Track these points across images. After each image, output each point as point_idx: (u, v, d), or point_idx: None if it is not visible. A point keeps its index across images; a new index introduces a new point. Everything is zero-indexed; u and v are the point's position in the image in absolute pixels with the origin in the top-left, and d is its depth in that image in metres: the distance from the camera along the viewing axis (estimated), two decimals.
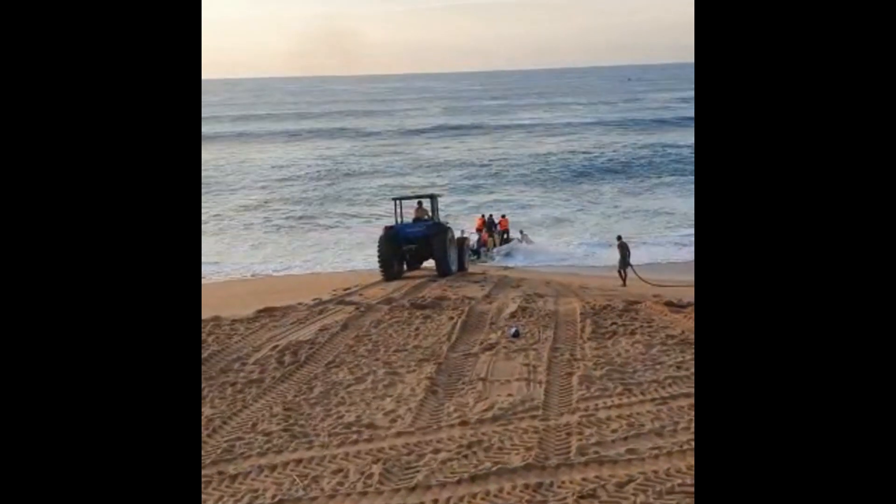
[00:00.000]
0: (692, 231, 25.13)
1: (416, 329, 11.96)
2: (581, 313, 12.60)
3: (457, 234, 18.52)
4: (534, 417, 8.02)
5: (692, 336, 11.02)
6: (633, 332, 11.32)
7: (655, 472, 6.60)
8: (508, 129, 66.68)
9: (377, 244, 16.61)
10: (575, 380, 9.17)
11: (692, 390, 8.68)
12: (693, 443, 7.17)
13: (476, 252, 21.38)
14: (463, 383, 9.33)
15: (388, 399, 8.77)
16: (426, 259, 16.73)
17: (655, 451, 7.03)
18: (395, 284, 16.62)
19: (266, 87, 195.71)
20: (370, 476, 6.66)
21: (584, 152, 49.90)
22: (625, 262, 19.00)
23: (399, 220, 17.42)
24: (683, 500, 5.98)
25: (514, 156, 50.11)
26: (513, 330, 11.59)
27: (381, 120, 77.66)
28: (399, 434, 7.69)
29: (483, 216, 24.36)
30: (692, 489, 6.16)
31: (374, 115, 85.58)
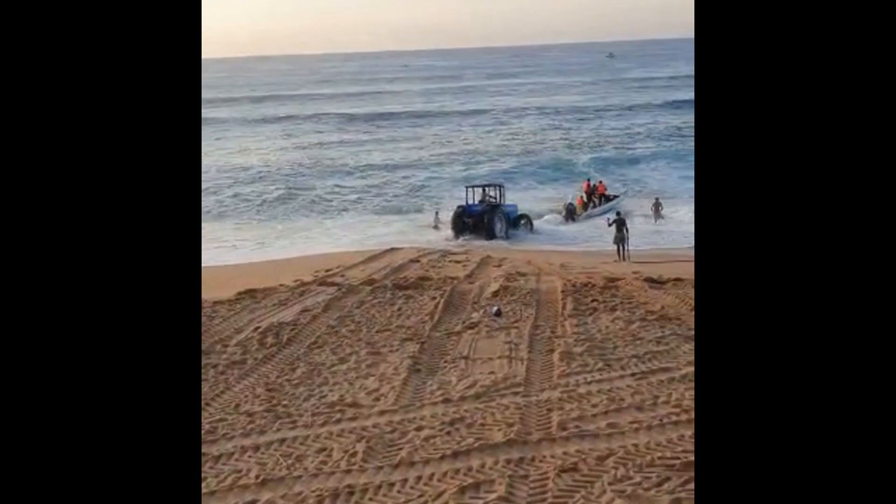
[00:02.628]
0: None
1: (399, 309, 11.99)
2: (562, 291, 12.68)
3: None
4: (515, 394, 8.10)
5: (671, 311, 11.15)
6: (613, 309, 11.43)
7: (635, 445, 6.70)
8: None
9: (451, 216, 23.98)
10: (556, 356, 9.26)
11: (671, 365, 8.81)
12: (672, 417, 7.28)
13: (571, 215, 26.44)
14: (445, 362, 9.39)
15: (371, 378, 8.80)
16: (481, 229, 23.10)
17: (635, 425, 7.14)
18: (376, 265, 16.66)
19: (241, 68, 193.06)
20: (354, 454, 6.71)
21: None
22: (622, 238, 19.11)
23: (467, 201, 24.25)
24: (663, 473, 6.08)
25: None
26: (494, 308, 11.66)
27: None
28: (382, 412, 7.73)
29: (588, 181, 28.82)
30: (672, 462, 6.27)
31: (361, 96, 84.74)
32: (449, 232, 24.06)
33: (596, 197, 27.76)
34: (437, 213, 26.17)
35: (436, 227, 24.99)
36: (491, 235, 22.91)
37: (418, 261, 17.02)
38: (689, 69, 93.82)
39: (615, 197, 27.95)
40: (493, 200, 24.38)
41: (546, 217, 26.88)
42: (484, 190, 24.92)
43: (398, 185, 35.80)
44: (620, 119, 55.41)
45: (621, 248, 19.00)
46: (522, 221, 24.48)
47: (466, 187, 25.68)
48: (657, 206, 24.69)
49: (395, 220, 27.59)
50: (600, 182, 29.07)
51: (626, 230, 19.22)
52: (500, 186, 25.39)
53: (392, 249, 19.79)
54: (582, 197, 27.82)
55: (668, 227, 23.44)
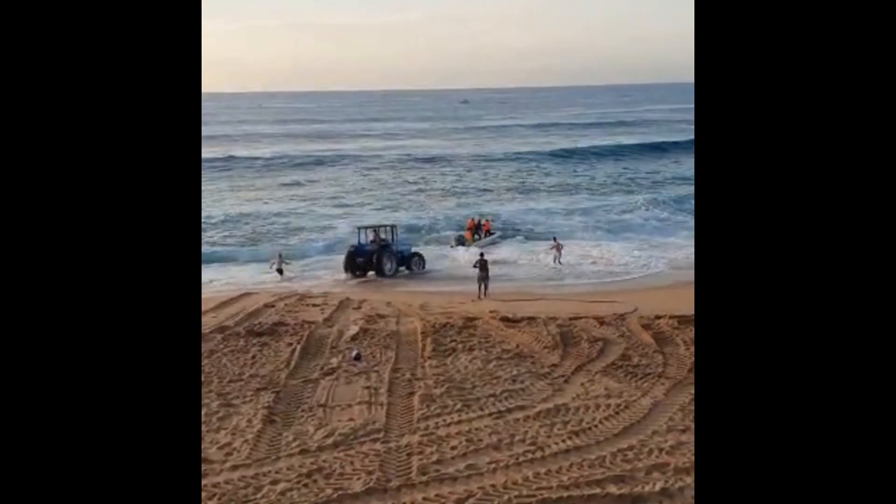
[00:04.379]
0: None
1: (253, 357, 11.52)
2: (422, 332, 12.74)
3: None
4: (375, 441, 7.98)
5: (525, 349, 11.51)
6: (471, 349, 11.62)
7: (493, 485, 6.79)
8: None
9: (344, 256, 24.59)
10: (416, 399, 9.25)
11: (526, 403, 9.05)
12: (528, 454, 7.45)
13: (461, 243, 28.70)
14: (302, 411, 9.10)
15: (223, 432, 8.34)
16: (372, 267, 24.06)
17: (493, 465, 7.24)
18: (229, 311, 15.98)
19: None
20: None
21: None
22: (484, 277, 20.08)
23: (359, 241, 25.03)
24: None
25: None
26: (354, 353, 11.49)
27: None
28: (235, 467, 7.33)
29: (473, 219, 31.31)
30: (528, 500, 6.39)
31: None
32: (276, 275, 24.27)
33: (482, 233, 30.50)
34: (280, 254, 25.77)
35: (279, 271, 24.54)
36: (381, 273, 24.08)
37: (274, 305, 16.48)
38: (534, 118, 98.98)
39: (495, 233, 30.52)
40: (384, 240, 25.29)
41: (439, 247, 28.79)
42: (376, 230, 25.74)
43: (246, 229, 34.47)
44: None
45: (483, 286, 19.85)
46: (415, 259, 25.32)
47: (358, 228, 26.59)
48: (558, 248, 25.15)
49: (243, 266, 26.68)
50: (486, 221, 31.69)
51: (487, 271, 20.29)
52: (393, 227, 26.43)
53: (246, 294, 19.08)
54: (470, 231, 30.42)
55: (567, 264, 24.35)
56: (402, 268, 24.84)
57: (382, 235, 25.64)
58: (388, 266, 24.38)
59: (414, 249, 26.07)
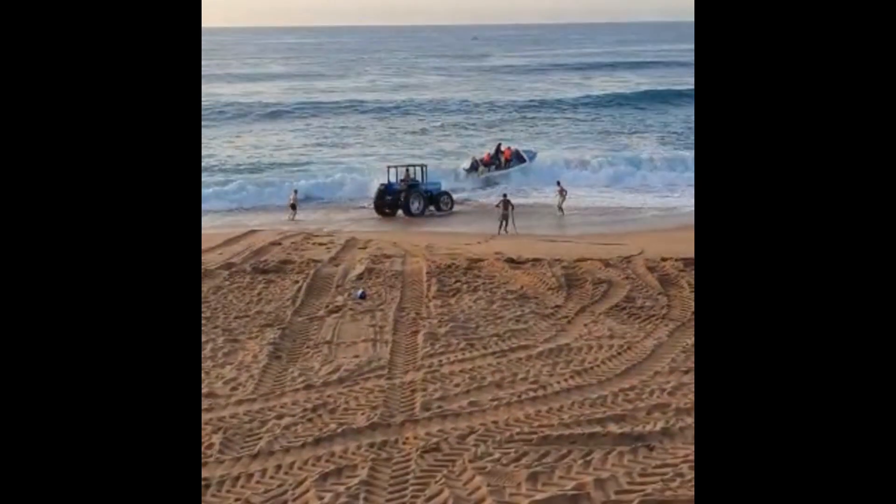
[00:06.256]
0: None
1: (259, 294, 11.59)
2: (427, 272, 12.77)
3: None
4: (379, 377, 8.07)
5: (530, 290, 11.53)
6: (475, 289, 11.65)
7: (495, 422, 6.88)
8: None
9: (374, 195, 25.09)
10: (420, 338, 9.31)
11: (529, 342, 9.11)
12: (530, 392, 7.53)
13: (475, 168, 28.92)
14: (308, 347, 9.18)
15: (229, 367, 8.45)
16: (400, 206, 24.41)
17: (495, 402, 7.32)
18: (235, 248, 16.01)
19: None
20: (210, 446, 6.41)
21: None
22: (506, 216, 20.55)
23: (388, 180, 25.13)
24: (521, 448, 6.28)
25: None
26: (359, 292, 11.54)
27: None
28: (240, 402, 7.44)
29: (500, 144, 31.15)
30: (529, 437, 6.48)
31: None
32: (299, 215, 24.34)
33: (501, 159, 29.59)
34: (295, 191, 25.63)
35: (293, 207, 24.45)
36: (408, 212, 24.34)
37: (280, 244, 16.50)
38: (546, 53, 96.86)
39: (519, 162, 29.60)
40: (413, 179, 25.39)
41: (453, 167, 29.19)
42: (407, 170, 25.83)
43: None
44: None
45: (503, 223, 20.12)
46: (443, 198, 25.38)
47: (388, 167, 26.44)
48: (561, 192, 23.63)
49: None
50: (507, 148, 30.82)
51: (510, 209, 20.74)
52: (423, 167, 26.41)
53: (252, 231, 19.11)
54: (490, 153, 29.80)
55: (571, 209, 24.17)
56: (431, 207, 24.89)
57: (411, 175, 25.64)
58: (415, 205, 24.48)
59: (444, 188, 25.97)
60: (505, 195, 21.57)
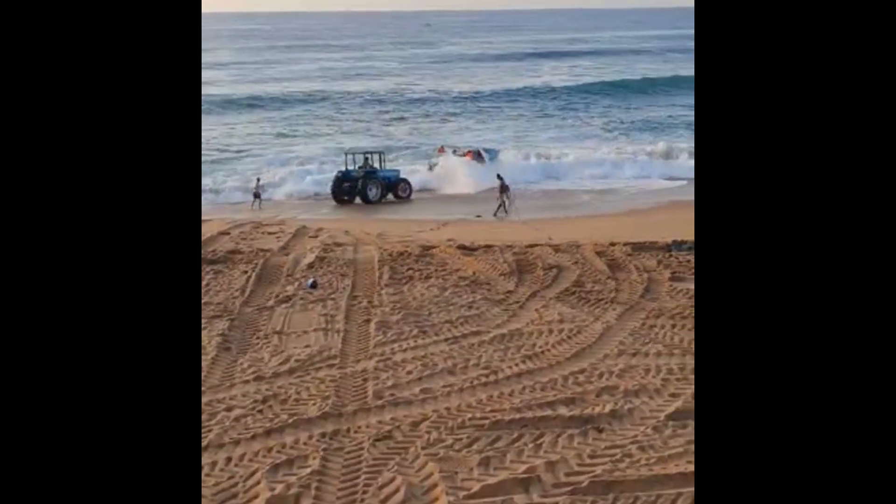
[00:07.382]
0: None
1: (207, 285, 11.37)
2: (379, 260, 12.71)
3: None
4: (331, 366, 8.01)
5: (482, 277, 11.58)
6: (427, 277, 11.65)
7: (448, 408, 6.91)
8: None
9: (332, 182, 24.74)
10: (372, 326, 9.28)
11: (481, 328, 9.16)
12: (482, 378, 7.58)
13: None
14: (258, 338, 9.06)
15: None
16: (358, 193, 24.21)
17: (448, 389, 7.35)
18: None
19: None
20: None
21: None
22: (502, 201, 20.54)
23: (346, 167, 25.04)
24: (473, 433, 6.32)
25: None
26: (310, 281, 11.43)
27: None
28: None
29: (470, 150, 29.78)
30: (481, 422, 6.53)
31: None
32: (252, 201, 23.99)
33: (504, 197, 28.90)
34: (258, 179, 25.22)
35: (256, 195, 24.03)
36: (365, 199, 24.07)
37: (228, 233, 16.22)
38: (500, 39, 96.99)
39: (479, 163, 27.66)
40: (371, 167, 25.22)
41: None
42: (365, 157, 25.66)
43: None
44: None
45: (502, 206, 20.55)
46: (401, 185, 25.12)
47: (345, 153, 26.50)
48: (502, 188, 21.14)
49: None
50: (468, 151, 29.52)
51: (507, 192, 20.80)
52: (381, 153, 26.27)
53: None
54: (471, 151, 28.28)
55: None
56: (390, 195, 24.60)
57: (370, 162, 25.47)
58: (372, 192, 24.15)
59: (402, 175, 25.74)
60: (501, 178, 21.45)
